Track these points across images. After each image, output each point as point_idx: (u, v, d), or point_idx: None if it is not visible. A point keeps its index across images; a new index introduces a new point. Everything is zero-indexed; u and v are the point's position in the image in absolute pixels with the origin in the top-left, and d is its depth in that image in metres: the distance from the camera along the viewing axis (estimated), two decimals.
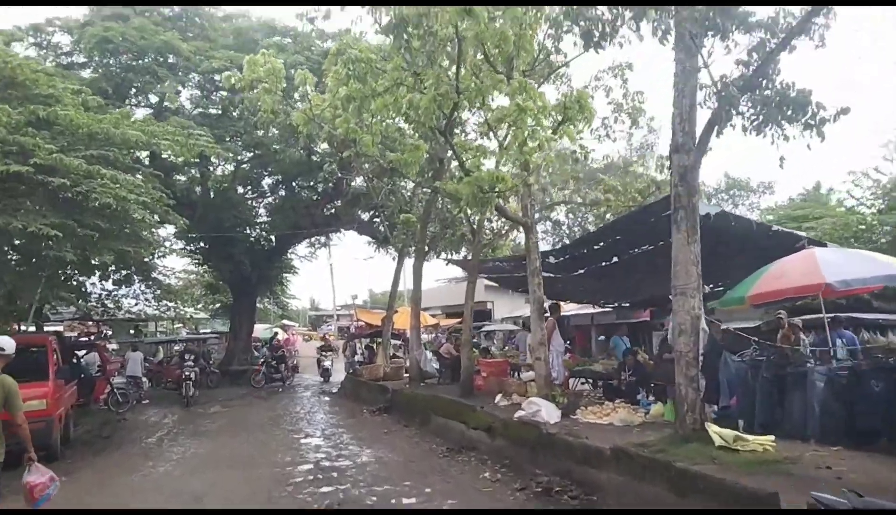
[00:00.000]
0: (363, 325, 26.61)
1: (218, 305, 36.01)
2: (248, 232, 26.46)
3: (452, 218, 17.37)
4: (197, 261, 28.70)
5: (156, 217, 13.79)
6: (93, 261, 11.33)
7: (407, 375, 17.68)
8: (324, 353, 25.88)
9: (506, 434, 9.38)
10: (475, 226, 14.36)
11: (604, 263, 12.63)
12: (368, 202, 23.73)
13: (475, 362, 14.13)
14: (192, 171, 24.77)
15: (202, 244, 25.85)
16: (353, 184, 21.63)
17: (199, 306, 37.53)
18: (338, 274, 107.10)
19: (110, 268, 14.05)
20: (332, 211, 25.36)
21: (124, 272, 16.89)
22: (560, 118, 10.12)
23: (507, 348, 21.27)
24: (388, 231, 21.49)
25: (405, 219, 17.41)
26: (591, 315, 23.84)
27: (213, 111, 21.66)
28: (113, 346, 23.20)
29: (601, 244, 11.71)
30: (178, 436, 12.65)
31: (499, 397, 11.82)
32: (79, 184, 10.02)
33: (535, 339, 10.76)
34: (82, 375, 14.83)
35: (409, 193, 22.18)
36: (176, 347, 29.01)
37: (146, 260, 12.85)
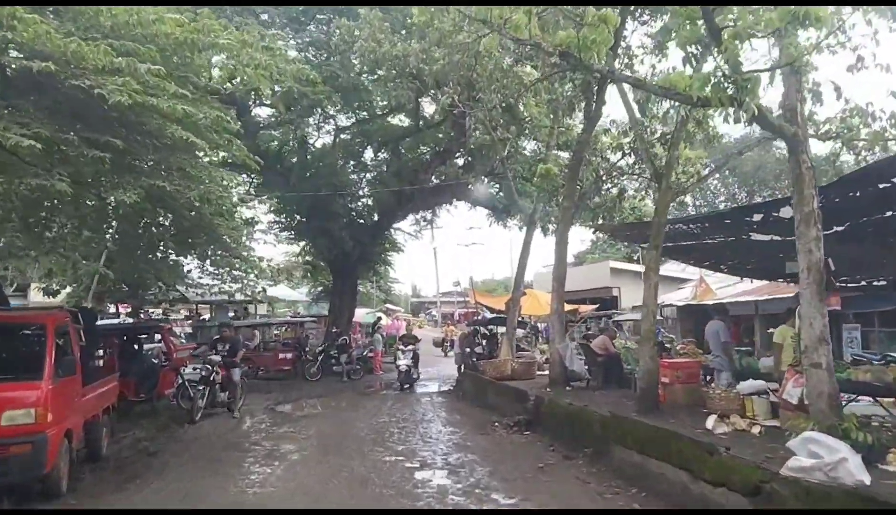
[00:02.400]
0: (476, 311, 22.48)
1: (320, 288, 33.29)
2: (349, 204, 23.12)
3: (610, 167, 12.94)
4: (291, 238, 25.80)
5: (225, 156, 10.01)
6: (111, 199, 7.64)
7: (541, 374, 14.11)
8: (403, 347, 18.20)
9: (801, 511, 4.91)
10: (663, 165, 9.78)
11: (876, 216, 7.74)
12: (486, 164, 19.89)
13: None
14: (288, 137, 21.76)
15: (298, 217, 22.95)
16: (472, 134, 17.45)
17: (303, 290, 35.02)
18: (439, 261, 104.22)
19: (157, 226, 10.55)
20: (443, 177, 21.49)
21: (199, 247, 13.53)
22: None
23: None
24: (512, 194, 17.44)
25: (545, 171, 13.21)
26: (754, 302, 18.68)
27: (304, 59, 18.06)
28: (187, 329, 20.52)
29: (883, 185, 6.81)
30: (246, 456, 9.08)
31: (712, 421, 7.59)
32: (78, 77, 6.48)
33: (811, 333, 6.27)
34: (145, 365, 12.00)
35: (537, 154, 18.12)
36: (275, 331, 26.54)
37: (196, 203, 9.02)
